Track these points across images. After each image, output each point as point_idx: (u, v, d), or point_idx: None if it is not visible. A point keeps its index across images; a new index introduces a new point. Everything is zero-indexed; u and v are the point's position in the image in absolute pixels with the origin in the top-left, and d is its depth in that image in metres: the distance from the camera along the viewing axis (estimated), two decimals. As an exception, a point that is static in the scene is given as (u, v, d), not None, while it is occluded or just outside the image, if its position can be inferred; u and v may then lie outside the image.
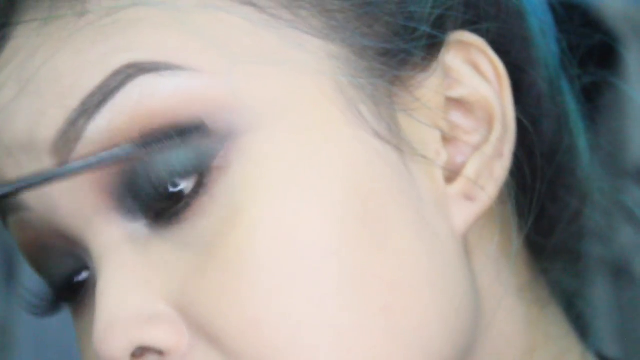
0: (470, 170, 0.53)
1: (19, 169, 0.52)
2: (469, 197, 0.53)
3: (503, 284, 0.55)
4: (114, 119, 0.50)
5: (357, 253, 0.50)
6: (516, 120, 0.54)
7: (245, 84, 0.50)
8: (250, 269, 0.49)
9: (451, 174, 0.53)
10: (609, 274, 0.80)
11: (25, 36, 0.52)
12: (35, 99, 0.51)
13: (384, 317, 0.49)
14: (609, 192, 0.62)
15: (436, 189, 0.52)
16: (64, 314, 0.58)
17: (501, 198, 0.55)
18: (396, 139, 0.52)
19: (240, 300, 0.49)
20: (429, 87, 0.53)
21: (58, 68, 0.51)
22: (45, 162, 0.51)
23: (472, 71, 0.53)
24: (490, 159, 0.53)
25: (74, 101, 0.50)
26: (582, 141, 0.61)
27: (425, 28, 0.52)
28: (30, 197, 0.52)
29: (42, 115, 0.51)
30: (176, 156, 0.50)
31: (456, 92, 0.53)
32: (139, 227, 0.51)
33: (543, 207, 0.58)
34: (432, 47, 0.53)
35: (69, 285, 0.55)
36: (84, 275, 0.54)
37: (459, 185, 0.53)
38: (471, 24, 0.54)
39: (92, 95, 0.50)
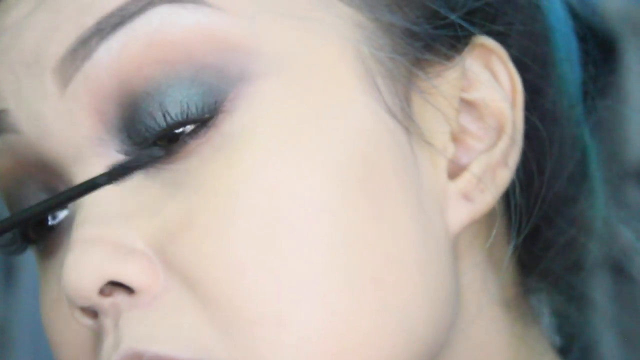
0: (475, 169, 0.52)
1: (17, 87, 0.50)
2: (468, 198, 0.52)
3: (487, 294, 0.55)
4: (128, 43, 0.48)
5: (354, 218, 0.48)
6: (525, 138, 0.53)
7: (267, 32, 0.49)
8: (241, 215, 0.47)
9: (454, 171, 0.53)
10: (608, 275, 0.80)
11: None
12: (51, 15, 0.49)
13: (374, 289, 0.48)
14: (610, 196, 0.62)
15: (437, 180, 0.52)
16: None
17: (498, 211, 0.54)
18: (407, 120, 0.51)
19: (226, 245, 0.47)
20: (447, 78, 0.52)
21: None
22: (46, 82, 0.50)
23: (490, 78, 0.53)
24: (495, 163, 0.53)
25: (90, 19, 0.49)
26: (597, 177, 0.60)
27: (455, 18, 0.52)
28: (23, 119, 0.51)
29: (55, 31, 0.49)
30: (183, 93, 0.48)
31: (471, 95, 0.53)
32: None
33: (538, 229, 0.57)
34: (457, 41, 0.53)
35: (41, 225, 0.53)
36: (60, 216, 0.52)
37: (460, 182, 0.52)
38: (497, 35, 0.54)
39: (110, 15, 0.48)
